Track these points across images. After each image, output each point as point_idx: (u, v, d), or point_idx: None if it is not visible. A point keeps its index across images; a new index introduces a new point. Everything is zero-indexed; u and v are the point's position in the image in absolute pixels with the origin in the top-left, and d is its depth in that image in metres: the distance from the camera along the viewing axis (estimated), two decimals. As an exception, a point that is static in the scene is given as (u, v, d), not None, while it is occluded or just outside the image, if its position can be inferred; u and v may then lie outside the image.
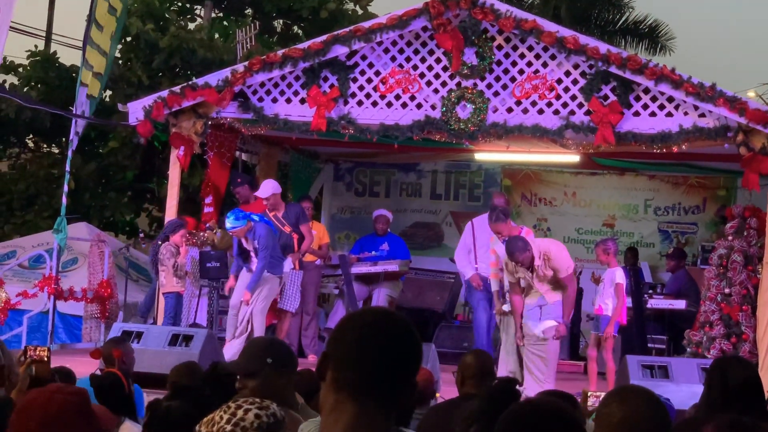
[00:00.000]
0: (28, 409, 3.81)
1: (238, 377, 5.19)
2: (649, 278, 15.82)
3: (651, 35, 27.93)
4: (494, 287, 12.32)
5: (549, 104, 12.88)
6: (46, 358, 6.24)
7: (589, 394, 5.51)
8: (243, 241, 12.81)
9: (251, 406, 3.87)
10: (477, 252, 13.32)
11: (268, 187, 13.65)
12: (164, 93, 13.81)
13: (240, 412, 3.84)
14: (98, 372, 7.23)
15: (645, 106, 12.58)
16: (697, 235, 16.98)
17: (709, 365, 5.39)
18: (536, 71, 12.93)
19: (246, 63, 13.75)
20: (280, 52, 13.61)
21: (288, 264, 13.13)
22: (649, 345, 13.85)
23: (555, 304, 11.36)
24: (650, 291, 14.49)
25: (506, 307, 11.82)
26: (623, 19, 28.10)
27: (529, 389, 10.34)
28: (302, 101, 13.55)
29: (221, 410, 3.87)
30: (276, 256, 12.81)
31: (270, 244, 12.66)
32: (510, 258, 11.30)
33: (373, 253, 15.21)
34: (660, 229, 17.16)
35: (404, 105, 13.29)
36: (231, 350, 12.08)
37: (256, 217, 12.98)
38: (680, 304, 14.16)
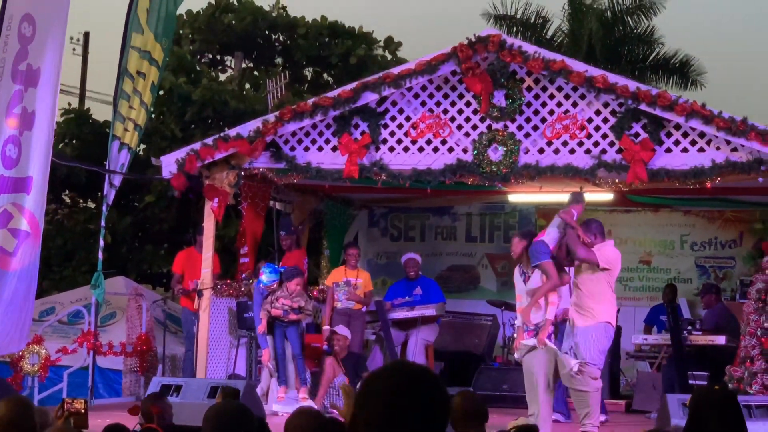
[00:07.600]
0: None
1: None
2: (687, 314, 15.69)
3: (682, 70, 27.90)
4: (517, 323, 12.06)
5: (580, 144, 12.87)
6: (83, 411, 6.28)
7: None
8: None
9: None
10: None
11: None
12: (197, 145, 13.88)
13: None
14: (138, 428, 7.26)
15: (677, 143, 12.54)
16: (735, 269, 16.85)
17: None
18: (566, 111, 12.93)
19: (277, 113, 13.81)
20: (310, 101, 13.68)
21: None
22: (690, 382, 13.72)
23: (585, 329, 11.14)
24: (689, 327, 14.36)
25: (529, 342, 11.44)
26: (653, 54, 28.10)
27: None
28: (334, 149, 13.59)
29: None
30: None
31: None
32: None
33: (407, 298, 15.13)
34: (697, 264, 17.05)
35: (436, 149, 13.31)
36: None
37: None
38: (720, 339, 14.02)
